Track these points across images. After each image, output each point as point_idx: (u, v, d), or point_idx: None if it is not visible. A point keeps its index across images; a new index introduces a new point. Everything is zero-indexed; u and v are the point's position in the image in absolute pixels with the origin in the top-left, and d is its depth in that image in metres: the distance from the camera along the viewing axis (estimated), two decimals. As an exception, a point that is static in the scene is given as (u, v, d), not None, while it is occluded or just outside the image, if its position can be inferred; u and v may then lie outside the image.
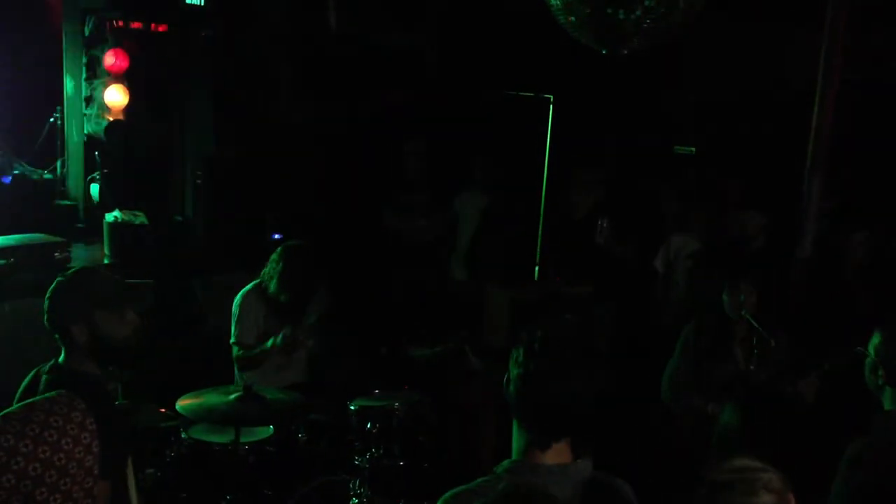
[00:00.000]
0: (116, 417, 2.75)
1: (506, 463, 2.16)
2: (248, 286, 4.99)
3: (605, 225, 6.15)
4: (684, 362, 4.78)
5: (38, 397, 1.86)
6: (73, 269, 3.02)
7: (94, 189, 7.28)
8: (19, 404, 1.85)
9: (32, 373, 2.96)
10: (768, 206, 5.87)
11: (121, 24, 7.03)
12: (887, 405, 3.15)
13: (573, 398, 2.10)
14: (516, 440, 2.18)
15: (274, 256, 4.94)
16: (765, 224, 5.80)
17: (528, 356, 2.13)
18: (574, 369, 2.10)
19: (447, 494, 2.12)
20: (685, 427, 4.71)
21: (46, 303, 2.90)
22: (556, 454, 2.13)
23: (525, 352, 2.14)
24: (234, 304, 4.97)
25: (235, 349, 4.94)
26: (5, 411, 1.87)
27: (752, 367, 4.53)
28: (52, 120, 7.12)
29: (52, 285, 2.94)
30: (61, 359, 2.92)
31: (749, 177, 6.62)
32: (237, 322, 4.93)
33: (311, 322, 5.08)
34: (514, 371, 2.16)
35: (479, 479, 2.13)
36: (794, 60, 6.61)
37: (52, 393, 1.88)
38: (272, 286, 4.88)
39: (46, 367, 2.91)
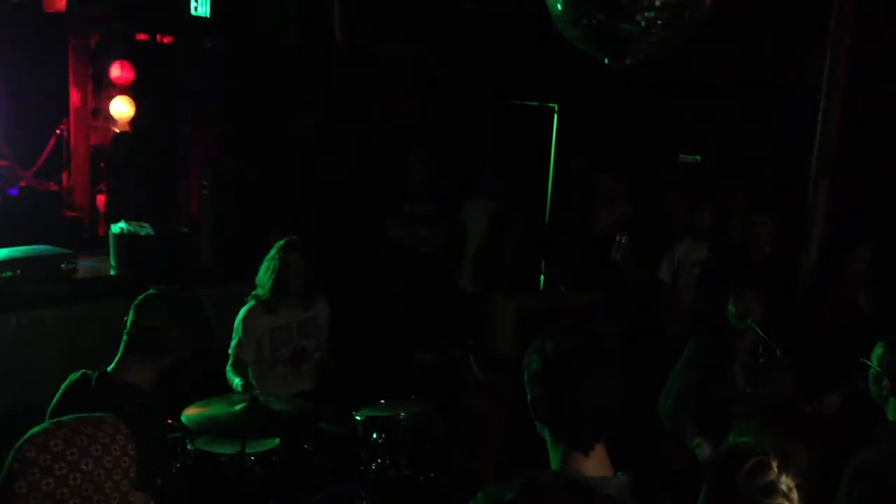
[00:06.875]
0: (162, 432, 2.80)
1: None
2: (251, 302, 4.96)
3: (623, 242, 5.99)
4: (686, 380, 4.70)
5: (86, 415, 1.92)
6: (181, 292, 3.14)
7: (101, 200, 7.31)
8: (71, 416, 1.90)
9: (79, 374, 3.02)
10: (774, 213, 5.85)
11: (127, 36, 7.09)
12: (891, 416, 3.14)
13: (605, 397, 2.11)
14: (553, 454, 2.17)
15: (269, 255, 4.97)
16: (773, 231, 5.77)
17: (548, 369, 2.12)
18: (597, 369, 2.11)
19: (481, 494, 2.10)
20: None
21: (169, 317, 3.01)
22: (598, 464, 2.12)
23: (544, 365, 2.13)
24: (237, 319, 4.93)
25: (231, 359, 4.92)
26: (58, 419, 1.91)
27: (748, 389, 4.46)
28: (58, 132, 7.16)
29: (171, 305, 3.05)
30: (111, 367, 3.01)
31: (755, 184, 6.60)
32: (238, 339, 4.90)
33: (325, 337, 5.10)
34: (538, 387, 2.15)
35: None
36: (799, 68, 6.61)
37: (99, 414, 1.94)
38: (265, 282, 4.89)
39: (94, 373, 2.99)
